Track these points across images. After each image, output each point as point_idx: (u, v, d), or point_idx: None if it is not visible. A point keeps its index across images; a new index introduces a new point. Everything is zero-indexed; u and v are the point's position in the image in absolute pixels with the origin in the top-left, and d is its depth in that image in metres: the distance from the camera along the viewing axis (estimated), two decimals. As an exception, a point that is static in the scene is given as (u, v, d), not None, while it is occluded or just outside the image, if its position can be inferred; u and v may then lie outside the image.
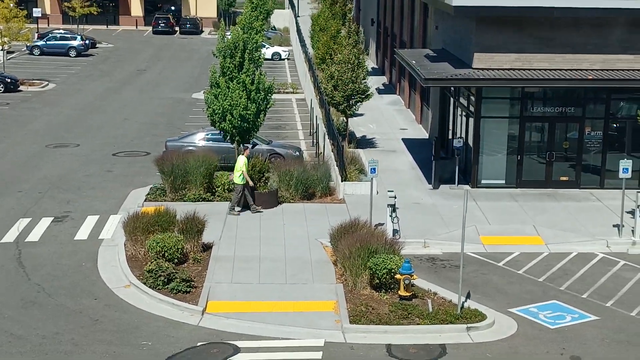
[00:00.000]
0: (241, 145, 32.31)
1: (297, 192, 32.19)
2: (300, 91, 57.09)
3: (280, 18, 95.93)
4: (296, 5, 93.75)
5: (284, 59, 74.61)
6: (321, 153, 38.21)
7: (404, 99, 51.55)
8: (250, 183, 30.40)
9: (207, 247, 26.95)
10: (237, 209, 30.28)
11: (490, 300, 23.77)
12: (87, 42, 76.76)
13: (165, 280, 23.75)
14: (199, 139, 37.40)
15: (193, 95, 56.35)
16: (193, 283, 24.05)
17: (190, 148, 36.13)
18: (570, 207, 31.72)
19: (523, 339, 21.68)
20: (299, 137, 44.27)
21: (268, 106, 32.27)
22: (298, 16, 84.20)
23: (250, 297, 23.52)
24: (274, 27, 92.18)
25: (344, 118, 41.34)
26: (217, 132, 33.66)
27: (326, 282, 24.63)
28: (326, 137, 37.82)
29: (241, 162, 30.34)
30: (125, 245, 26.82)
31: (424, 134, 43.62)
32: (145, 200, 31.81)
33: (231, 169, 33.50)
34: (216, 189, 32.48)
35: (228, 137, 32.28)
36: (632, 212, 29.02)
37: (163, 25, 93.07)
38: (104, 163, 38.45)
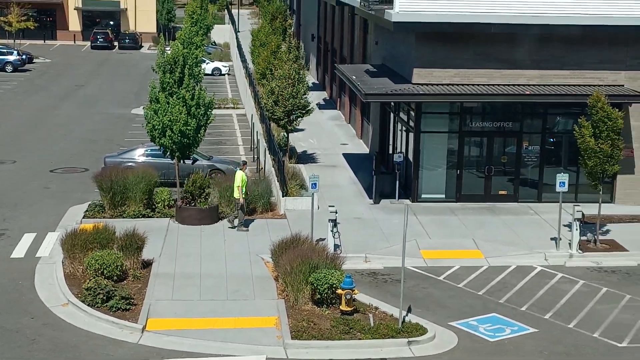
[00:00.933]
0: (240, 162, 32.17)
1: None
2: (240, 106, 56.97)
3: (221, 33, 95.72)
4: (236, 20, 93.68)
5: (224, 74, 74.44)
6: (262, 168, 38.14)
7: (345, 114, 51.76)
8: (241, 200, 30.23)
9: (147, 264, 26.67)
10: (244, 228, 30.32)
11: (431, 314, 23.90)
12: (23, 56, 75.69)
13: (104, 298, 23.44)
14: (139, 155, 37.09)
15: (132, 110, 55.87)
16: (133, 300, 23.77)
17: (130, 164, 35.78)
18: (509, 220, 32.08)
19: (463, 352, 21.83)
20: (240, 153, 44.14)
21: (208, 122, 32.11)
22: (238, 31, 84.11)
23: (191, 314, 23.32)
24: (214, 42, 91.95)
25: (285, 133, 41.34)
26: (157, 147, 33.39)
27: (268, 298, 24.55)
28: (267, 152, 37.78)
29: (239, 178, 30.20)
30: (63, 262, 26.41)
31: (365, 149, 43.82)
32: (83, 217, 31.41)
33: (172, 184, 33.26)
34: (156, 205, 32.24)
35: (168, 153, 32.05)
36: (569, 226, 29.45)
37: (101, 40, 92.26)
38: (41, 179, 37.90)
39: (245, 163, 32.04)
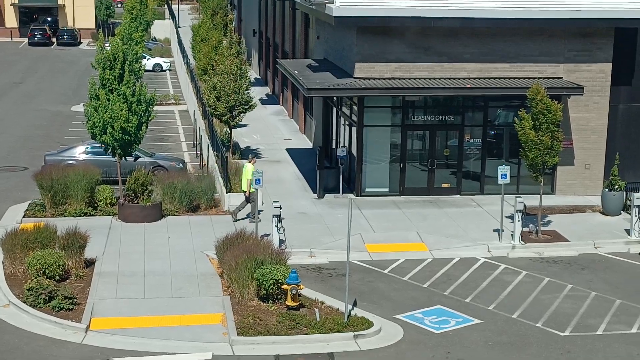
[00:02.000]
0: (249, 155, 32.25)
1: (182, 204, 31.84)
2: (183, 102, 56.57)
3: (161, 29, 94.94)
4: (176, 16, 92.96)
5: (165, 70, 73.85)
6: (205, 165, 37.92)
7: (288, 109, 51.70)
8: (247, 193, 30.47)
9: (90, 263, 26.35)
10: (258, 216, 29.70)
11: (376, 308, 23.99)
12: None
13: (47, 298, 23.10)
14: (79, 153, 36.62)
15: (72, 107, 55.12)
16: (76, 300, 23.45)
17: (71, 162, 35.31)
18: (452, 213, 32.34)
19: (409, 344, 21.95)
20: (183, 149, 43.84)
21: (150, 118, 31.82)
22: (179, 27, 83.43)
23: (136, 312, 23.10)
24: (155, 38, 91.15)
25: (228, 129, 41.15)
26: (98, 145, 33.03)
27: (213, 294, 24.42)
28: (210, 148, 37.58)
29: (249, 171, 30.21)
30: (3, 263, 25.94)
31: (308, 144, 43.82)
32: (24, 217, 30.90)
33: (114, 182, 32.90)
34: (98, 203, 31.87)
35: (109, 151, 31.70)
36: (512, 217, 29.79)
37: (39, 36, 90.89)
38: (-21, 179, 37.24)
39: (254, 156, 32.34)
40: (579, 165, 34.59)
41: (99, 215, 31.15)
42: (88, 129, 31.59)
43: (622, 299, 24.99)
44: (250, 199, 30.52)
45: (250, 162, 31.07)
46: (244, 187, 30.69)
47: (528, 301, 24.77)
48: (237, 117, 40.45)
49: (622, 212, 32.15)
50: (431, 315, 23.68)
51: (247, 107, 40.42)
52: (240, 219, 30.78)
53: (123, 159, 31.96)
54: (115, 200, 31.89)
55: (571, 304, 24.60)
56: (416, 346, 21.84)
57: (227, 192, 32.59)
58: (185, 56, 61.89)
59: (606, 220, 31.73)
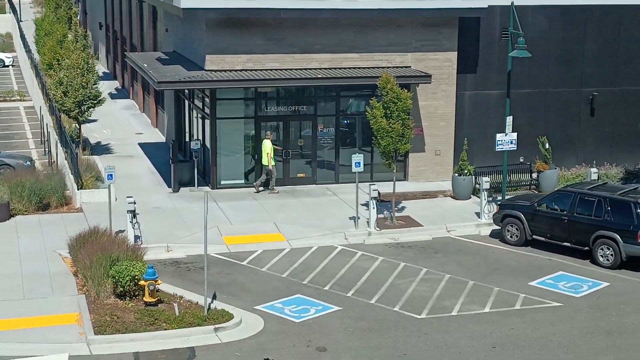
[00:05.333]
0: (267, 132, 33.41)
1: (31, 203, 30.82)
2: (28, 98, 54.75)
3: (2, 23, 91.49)
4: (18, 9, 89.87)
5: (8, 66, 71.27)
6: (54, 162, 36.82)
7: (139, 103, 50.80)
8: (270, 167, 32.87)
9: None
10: (276, 188, 33.39)
11: (236, 300, 23.90)
12: None
13: None
14: None
15: None
16: None
17: None
18: (309, 202, 32.54)
19: (270, 335, 21.97)
20: (30, 147, 42.43)
21: (-6, 115, 30.67)
22: (21, 21, 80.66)
23: (-14, 316, 22.25)
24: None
25: (77, 125, 40.09)
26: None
27: (67, 294, 23.76)
28: (59, 145, 36.52)
29: (268, 146, 32.62)
30: None
31: (161, 138, 43.19)
32: None
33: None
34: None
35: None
36: (367, 205, 30.20)
37: None
38: None
39: (271, 132, 33.31)
40: (430, 151, 35.42)
41: (-58, 218, 29.83)
42: None
43: (474, 280, 25.76)
44: (270, 172, 32.86)
45: (268, 137, 32.84)
46: (265, 162, 32.74)
47: (385, 286, 25.20)
48: (86, 113, 39.42)
49: (472, 196, 33.12)
50: (291, 305, 23.76)
51: (95, 102, 39.44)
52: (262, 190, 33.22)
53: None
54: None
55: (427, 287, 25.17)
56: (277, 336, 21.87)
57: (78, 189, 31.75)
58: (28, 51, 59.88)
59: (457, 205, 32.62)
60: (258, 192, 33.19)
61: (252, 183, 33.96)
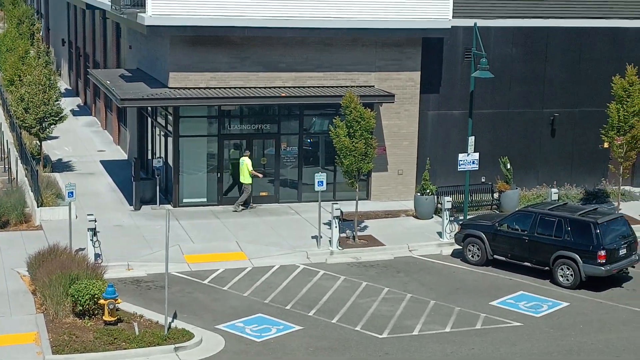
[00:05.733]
0: (244, 150, 33.84)
1: (-11, 221, 30.47)
2: (-12, 115, 54.18)
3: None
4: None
5: (-31, 82, 70.56)
6: (14, 179, 36.43)
7: (101, 120, 50.48)
8: (260, 176, 33.53)
9: None
10: (241, 208, 33.32)
11: (197, 319, 23.73)
12: None
13: None
14: None
15: None
16: None
17: None
18: (271, 221, 32.46)
19: (231, 354, 21.83)
20: (-10, 163, 41.97)
21: (-47, 131, 30.32)
22: (-17, 36, 79.97)
23: (-59, 335, 21.89)
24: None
25: (38, 141, 39.73)
26: None
27: (25, 313, 23.45)
28: (19, 161, 36.15)
29: (249, 163, 33.01)
30: None
31: (123, 155, 42.94)
32: None
33: None
34: None
35: None
36: (329, 224, 30.19)
37: None
38: None
39: (248, 150, 33.74)
40: (392, 171, 35.52)
41: None
42: None
43: (436, 300, 25.80)
44: (248, 189, 33.19)
45: (246, 155, 33.24)
46: (245, 180, 33.14)
47: (347, 305, 25.16)
48: (47, 129, 39.07)
49: (434, 215, 33.23)
50: (252, 324, 23.64)
51: (57, 118, 39.11)
52: (243, 209, 33.41)
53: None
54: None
55: (388, 307, 25.17)
56: (238, 356, 21.74)
57: (38, 207, 31.43)
58: (-10, 67, 59.34)
59: (419, 224, 32.71)
60: (237, 211, 33.17)
61: (214, 202, 33.84)
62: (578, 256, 26.78)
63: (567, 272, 27.05)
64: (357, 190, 30.46)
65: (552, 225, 27.54)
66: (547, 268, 27.59)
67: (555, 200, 31.73)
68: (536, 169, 37.38)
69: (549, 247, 27.43)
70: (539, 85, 36.93)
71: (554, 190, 33.15)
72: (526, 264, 28.07)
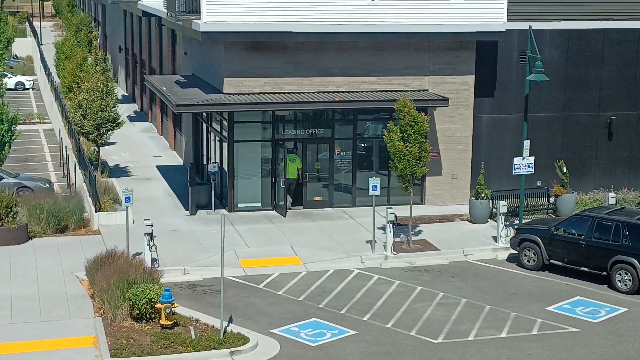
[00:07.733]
0: (293, 149, 34.09)
1: (49, 225, 30.97)
2: (47, 121, 55.14)
3: (23, 46, 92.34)
4: (39, 33, 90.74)
5: (28, 89, 71.80)
6: (73, 184, 37.03)
7: (157, 126, 51.07)
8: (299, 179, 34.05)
9: (-47, 289, 25.33)
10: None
11: (252, 323, 23.88)
12: None
13: None
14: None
15: None
16: (-62, 328, 22.51)
17: None
18: (325, 226, 32.53)
19: (286, 358, 21.92)
20: (49, 169, 42.70)
21: (13, 138, 30.95)
22: (41, 44, 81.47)
23: (3, 338, 22.30)
24: (16, 55, 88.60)
25: (96, 147, 40.33)
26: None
27: (84, 316, 23.82)
28: (77, 167, 36.73)
29: (298, 160, 33.49)
30: None
31: (179, 161, 43.38)
32: None
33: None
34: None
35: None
36: (383, 228, 30.16)
37: None
38: None
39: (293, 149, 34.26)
40: (447, 175, 35.38)
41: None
42: (-53, 150, 30.45)
43: (491, 305, 25.64)
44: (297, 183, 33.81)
45: (295, 153, 33.79)
46: (295, 175, 33.64)
47: (402, 310, 25.12)
48: (105, 135, 39.69)
49: (488, 219, 33.03)
50: (307, 329, 23.72)
51: (114, 124, 39.71)
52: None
53: None
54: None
55: (443, 312, 25.08)
56: (293, 360, 21.85)
57: (96, 212, 31.89)
58: (49, 74, 60.41)
59: (474, 228, 32.53)
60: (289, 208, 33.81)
61: (269, 207, 34.03)
62: (637, 261, 26.43)
63: (625, 277, 26.71)
64: (412, 194, 30.40)
65: (609, 230, 27.22)
66: (604, 273, 27.27)
67: (612, 205, 31.32)
68: (593, 173, 36.96)
69: (606, 252, 27.10)
70: (595, 87, 36.52)
71: (611, 194, 32.75)
72: (583, 268, 27.77)
